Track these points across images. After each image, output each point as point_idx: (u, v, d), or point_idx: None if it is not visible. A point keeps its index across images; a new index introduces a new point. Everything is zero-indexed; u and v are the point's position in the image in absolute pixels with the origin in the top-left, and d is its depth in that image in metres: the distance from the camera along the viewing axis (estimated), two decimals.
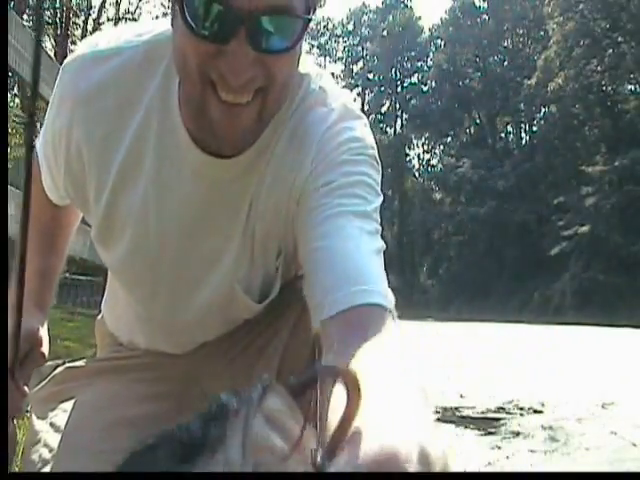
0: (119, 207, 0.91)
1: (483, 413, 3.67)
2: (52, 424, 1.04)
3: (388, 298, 0.75)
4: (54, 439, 1.03)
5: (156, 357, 1.07)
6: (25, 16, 16.33)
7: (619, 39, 35.73)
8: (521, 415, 3.73)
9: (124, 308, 1.07)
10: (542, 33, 43.72)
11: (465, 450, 2.85)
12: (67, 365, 1.11)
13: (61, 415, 1.04)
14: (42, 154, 0.98)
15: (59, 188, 0.98)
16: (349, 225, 0.80)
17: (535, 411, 3.84)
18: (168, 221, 0.91)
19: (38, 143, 0.99)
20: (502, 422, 3.54)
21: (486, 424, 3.48)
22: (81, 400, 1.06)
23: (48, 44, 16.46)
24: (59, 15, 16.90)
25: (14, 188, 1.51)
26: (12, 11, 2.33)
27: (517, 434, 3.28)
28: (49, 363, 1.05)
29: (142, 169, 0.89)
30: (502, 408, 3.89)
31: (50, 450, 1.03)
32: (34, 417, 1.06)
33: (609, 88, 36.78)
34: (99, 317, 1.21)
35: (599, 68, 36.12)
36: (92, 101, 0.88)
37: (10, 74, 2.31)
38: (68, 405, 1.05)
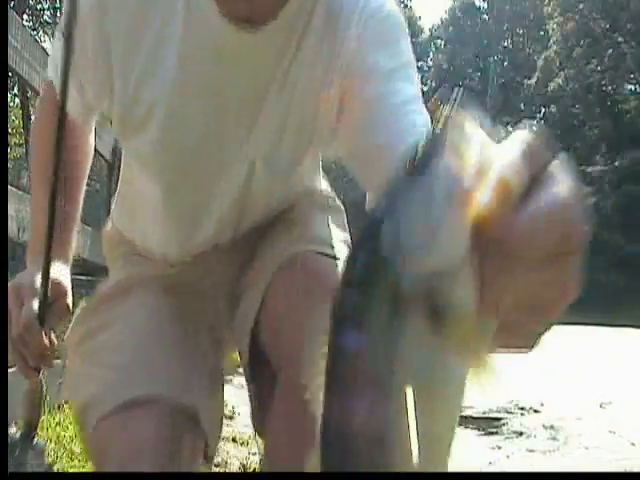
0: (147, 87, 0.90)
1: (484, 413, 3.66)
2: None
3: None
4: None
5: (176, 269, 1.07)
6: (25, 16, 16.36)
7: (619, 39, 35.69)
8: (522, 415, 3.72)
9: (140, 207, 1.06)
10: (542, 33, 43.67)
11: (465, 450, 2.84)
12: (82, 306, 1.08)
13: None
14: (52, 65, 0.99)
15: (84, 85, 0.95)
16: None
17: (535, 411, 3.84)
18: (196, 97, 0.91)
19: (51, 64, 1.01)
20: (503, 422, 3.53)
21: (487, 424, 3.47)
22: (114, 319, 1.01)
23: (48, 44, 16.46)
24: (59, 15, 16.92)
25: (14, 188, 1.51)
26: (12, 11, 2.33)
27: (518, 434, 3.28)
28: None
29: (171, 48, 0.89)
30: (503, 408, 3.89)
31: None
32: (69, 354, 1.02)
33: (609, 88, 36.72)
34: (107, 227, 1.19)
35: (599, 68, 36.05)
36: None
37: (10, 74, 2.31)
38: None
